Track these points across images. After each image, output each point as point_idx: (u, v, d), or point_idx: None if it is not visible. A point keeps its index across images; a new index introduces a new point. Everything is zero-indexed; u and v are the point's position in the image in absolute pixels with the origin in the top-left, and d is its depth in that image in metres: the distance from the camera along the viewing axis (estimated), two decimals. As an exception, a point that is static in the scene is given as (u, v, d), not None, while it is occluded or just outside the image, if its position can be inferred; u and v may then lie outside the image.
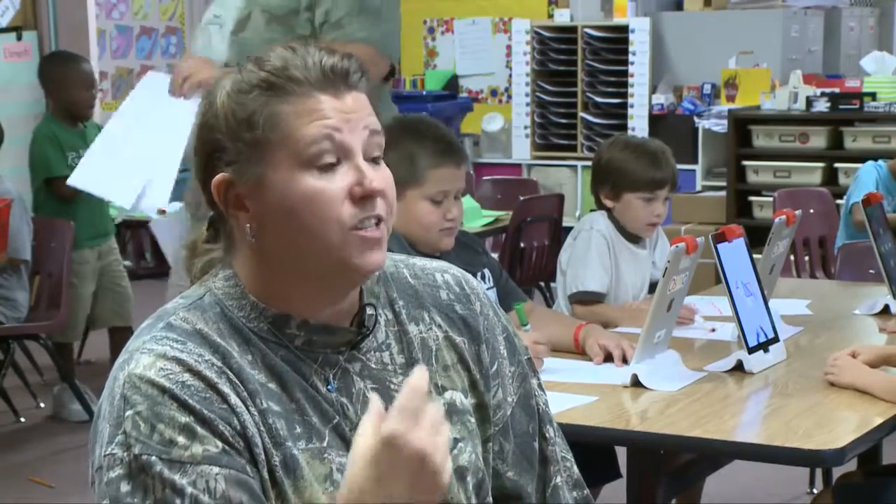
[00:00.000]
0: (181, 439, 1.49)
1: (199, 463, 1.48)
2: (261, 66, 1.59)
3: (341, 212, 1.56)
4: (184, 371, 1.52)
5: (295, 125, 1.56)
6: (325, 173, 1.56)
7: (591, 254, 3.65)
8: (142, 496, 1.48)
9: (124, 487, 1.49)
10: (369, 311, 1.66)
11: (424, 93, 9.05)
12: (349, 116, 1.58)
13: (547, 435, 1.81)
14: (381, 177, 1.59)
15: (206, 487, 1.48)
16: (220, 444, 1.50)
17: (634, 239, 3.75)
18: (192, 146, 1.66)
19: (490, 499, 1.73)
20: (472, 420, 1.71)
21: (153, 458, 1.48)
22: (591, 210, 3.86)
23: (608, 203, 3.70)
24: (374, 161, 1.60)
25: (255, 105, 1.57)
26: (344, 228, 1.56)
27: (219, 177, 1.59)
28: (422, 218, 3.00)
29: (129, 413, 1.50)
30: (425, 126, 3.10)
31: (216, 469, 1.49)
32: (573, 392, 2.85)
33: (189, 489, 1.47)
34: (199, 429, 1.49)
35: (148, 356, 1.54)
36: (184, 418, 1.49)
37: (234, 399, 1.53)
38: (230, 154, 1.58)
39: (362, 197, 1.56)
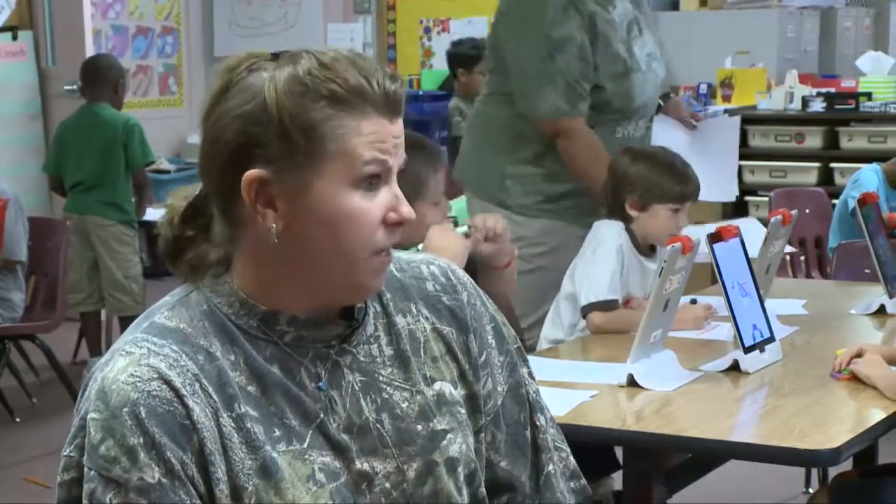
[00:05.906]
0: (124, 460, 1.50)
1: (130, 490, 1.50)
2: (326, 73, 1.55)
3: (375, 236, 1.58)
4: (153, 379, 1.52)
5: (354, 143, 1.55)
6: (368, 193, 1.57)
7: (610, 267, 3.61)
8: None
9: (74, 492, 1.55)
10: (358, 303, 1.66)
11: (421, 93, 9.04)
12: (396, 142, 1.59)
13: (538, 423, 1.80)
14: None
15: None
16: (158, 473, 1.50)
17: (647, 253, 3.73)
18: (214, 127, 1.57)
19: (482, 489, 1.73)
20: (462, 411, 1.71)
21: (93, 472, 1.51)
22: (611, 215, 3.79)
23: (633, 212, 3.67)
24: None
25: (320, 116, 1.54)
26: (371, 251, 1.58)
27: (255, 172, 1.55)
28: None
29: (90, 417, 1.53)
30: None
31: (143, 501, 1.50)
32: (570, 389, 2.85)
33: None
34: (142, 455, 1.50)
35: (124, 359, 1.54)
36: (133, 440, 1.50)
37: (197, 413, 1.53)
38: (274, 152, 1.54)
39: (394, 223, 1.59)
